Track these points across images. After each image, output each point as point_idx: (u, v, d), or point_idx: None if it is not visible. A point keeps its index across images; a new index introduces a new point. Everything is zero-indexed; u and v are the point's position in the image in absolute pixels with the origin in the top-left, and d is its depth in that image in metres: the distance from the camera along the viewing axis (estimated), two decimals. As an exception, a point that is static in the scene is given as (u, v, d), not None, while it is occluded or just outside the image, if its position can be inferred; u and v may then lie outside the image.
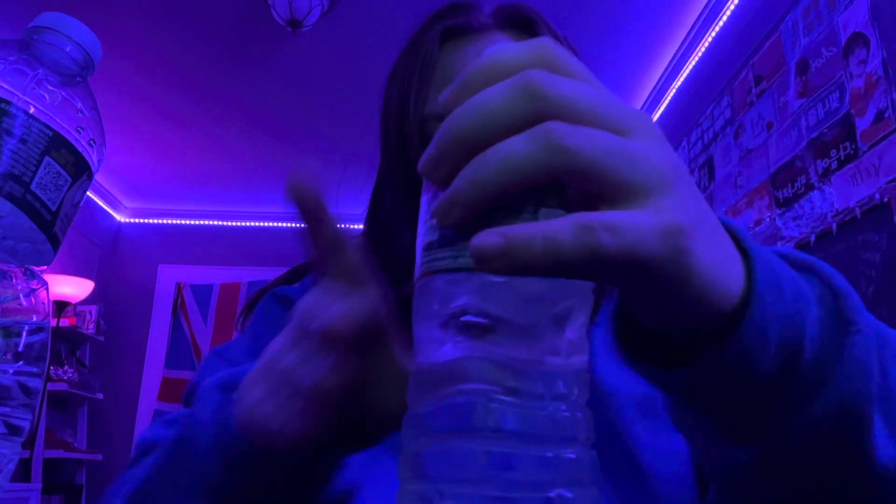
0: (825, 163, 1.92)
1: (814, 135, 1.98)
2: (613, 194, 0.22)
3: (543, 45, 0.24)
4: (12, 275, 0.39)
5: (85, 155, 0.40)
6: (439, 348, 0.25)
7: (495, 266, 0.21)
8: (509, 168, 0.22)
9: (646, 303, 0.26)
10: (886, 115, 1.69)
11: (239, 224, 4.95)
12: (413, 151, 0.57)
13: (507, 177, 0.22)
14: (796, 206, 2.06)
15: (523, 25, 0.61)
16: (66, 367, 3.98)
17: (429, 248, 0.25)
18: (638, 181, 0.22)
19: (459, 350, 0.24)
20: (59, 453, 3.78)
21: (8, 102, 0.37)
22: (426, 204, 0.26)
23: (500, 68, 0.24)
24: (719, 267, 0.25)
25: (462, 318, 0.24)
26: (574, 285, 0.25)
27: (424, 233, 0.26)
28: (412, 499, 0.23)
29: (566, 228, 0.21)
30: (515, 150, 0.22)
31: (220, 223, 4.98)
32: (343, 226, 0.31)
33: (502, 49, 0.25)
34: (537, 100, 0.22)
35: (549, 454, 0.23)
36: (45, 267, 0.41)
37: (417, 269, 0.26)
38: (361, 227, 0.67)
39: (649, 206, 0.22)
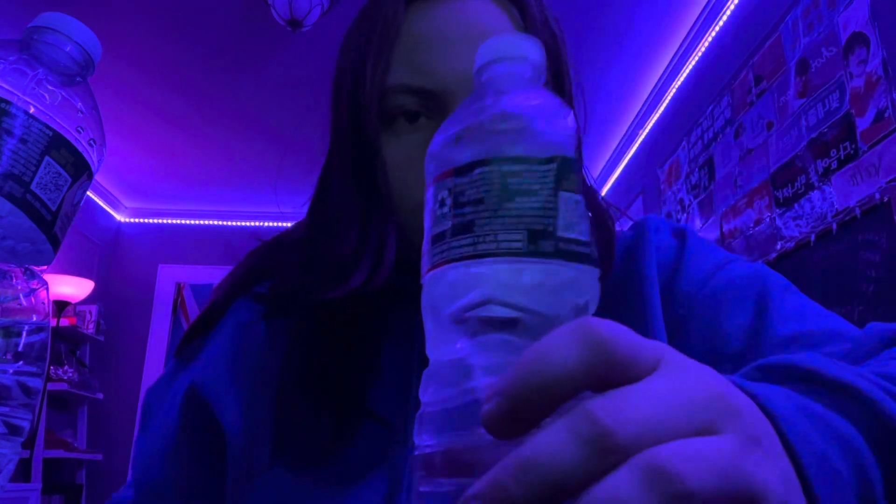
0: (825, 163, 1.92)
1: (814, 135, 1.98)
2: None
3: (595, 341, 0.20)
4: (12, 275, 0.39)
5: (85, 155, 0.40)
6: (456, 343, 0.23)
7: None
8: None
9: None
10: (886, 114, 1.69)
11: (239, 224, 4.95)
12: (369, 129, 0.48)
13: None
14: (796, 205, 2.06)
15: None
16: (66, 367, 3.98)
17: (440, 237, 0.24)
18: None
19: (479, 345, 0.23)
20: (59, 453, 3.78)
21: (8, 102, 0.37)
22: (432, 195, 0.25)
23: (550, 387, 0.20)
24: None
25: (483, 311, 0.23)
26: (593, 275, 0.24)
27: (432, 224, 0.24)
28: (433, 500, 0.22)
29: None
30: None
31: (220, 223, 4.98)
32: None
33: (548, 350, 0.20)
34: (608, 454, 0.19)
35: None
36: (45, 267, 0.41)
37: (426, 263, 0.24)
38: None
39: None
